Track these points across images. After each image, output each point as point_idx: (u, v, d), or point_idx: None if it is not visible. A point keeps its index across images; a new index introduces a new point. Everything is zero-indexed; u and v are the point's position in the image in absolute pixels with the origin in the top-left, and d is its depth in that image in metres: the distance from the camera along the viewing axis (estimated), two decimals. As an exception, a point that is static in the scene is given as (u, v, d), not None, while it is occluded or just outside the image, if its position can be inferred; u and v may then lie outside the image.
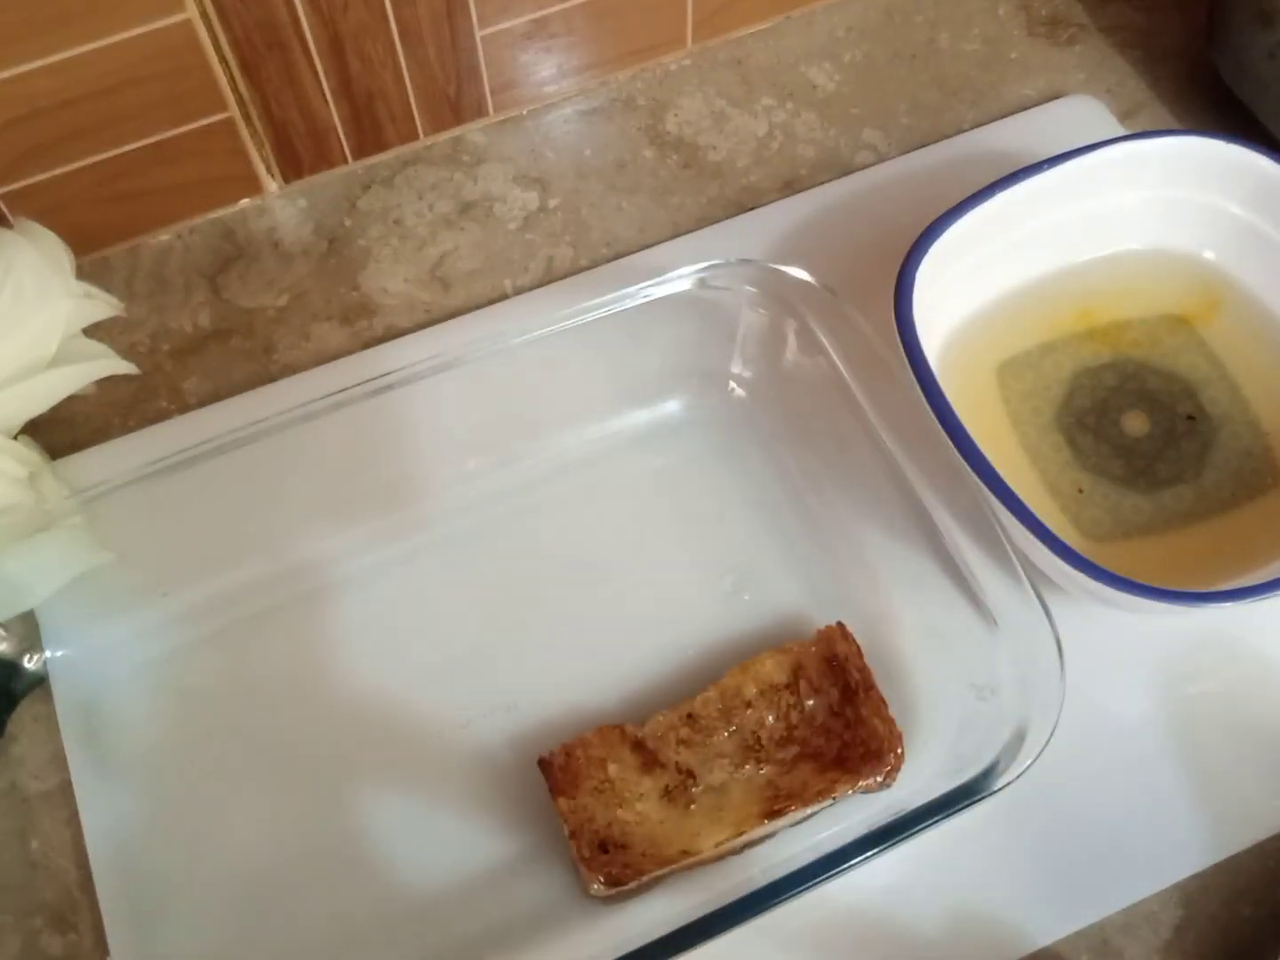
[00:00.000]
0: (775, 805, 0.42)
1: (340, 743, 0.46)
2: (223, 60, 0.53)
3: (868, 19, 0.65)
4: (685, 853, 0.42)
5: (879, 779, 0.43)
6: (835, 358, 0.48)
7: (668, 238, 0.59)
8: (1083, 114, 0.61)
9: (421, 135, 0.61)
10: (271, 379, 0.55)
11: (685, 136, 0.62)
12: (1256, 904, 0.44)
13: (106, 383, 0.52)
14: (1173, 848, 0.45)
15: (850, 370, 0.48)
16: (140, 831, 0.45)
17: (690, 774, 0.44)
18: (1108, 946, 0.43)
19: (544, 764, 0.44)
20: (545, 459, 0.52)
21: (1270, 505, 0.50)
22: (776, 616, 0.48)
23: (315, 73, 0.55)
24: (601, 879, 0.41)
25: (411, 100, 0.59)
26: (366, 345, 0.56)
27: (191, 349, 0.56)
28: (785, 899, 0.38)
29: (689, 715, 0.45)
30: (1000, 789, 0.40)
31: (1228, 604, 0.42)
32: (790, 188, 0.60)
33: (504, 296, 0.57)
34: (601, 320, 0.48)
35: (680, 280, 0.49)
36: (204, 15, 0.51)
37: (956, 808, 0.40)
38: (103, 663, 0.48)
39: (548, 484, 0.51)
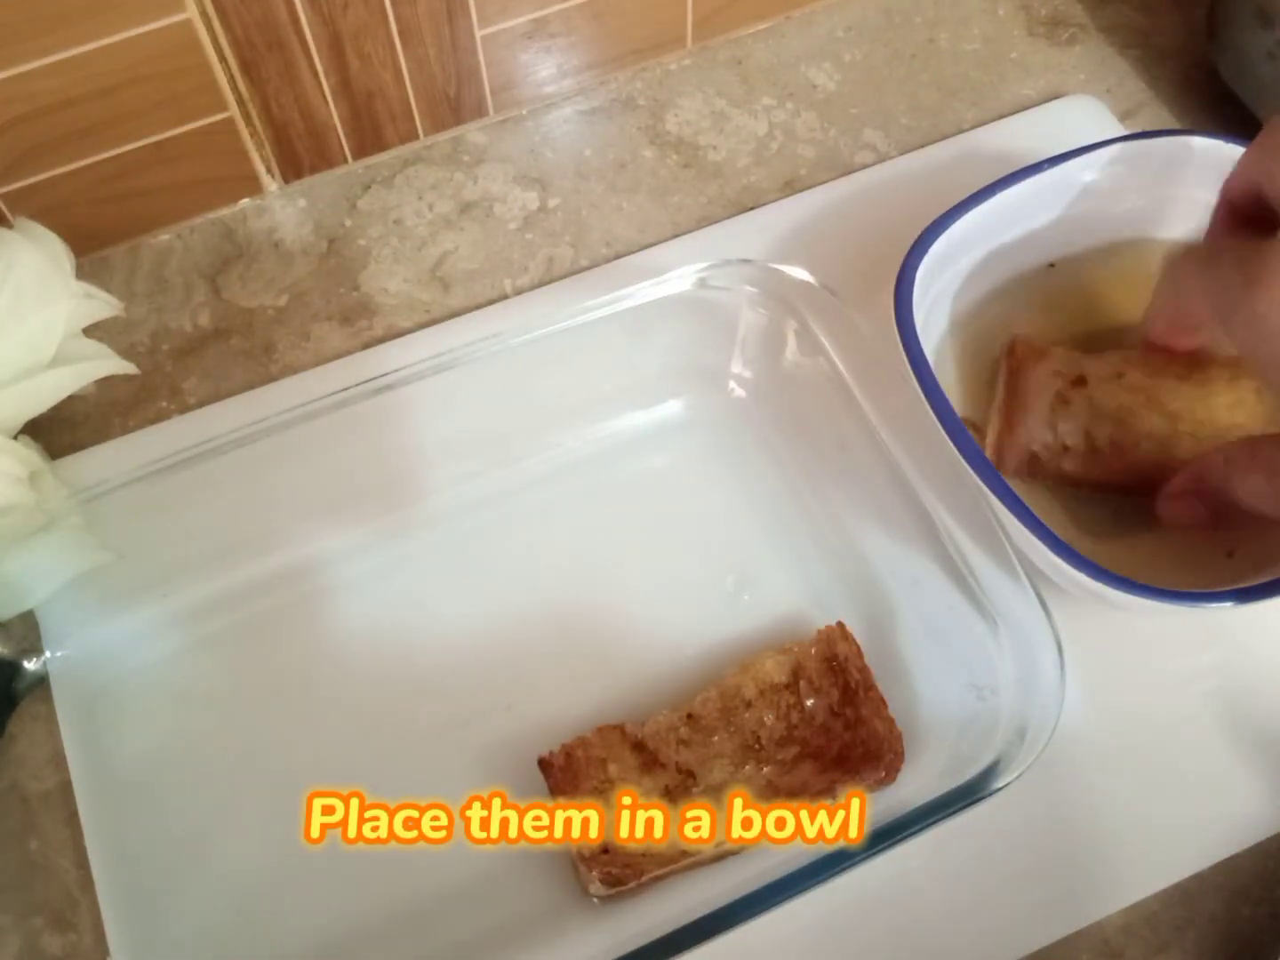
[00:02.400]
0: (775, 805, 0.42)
1: (340, 742, 0.46)
2: (223, 60, 0.53)
3: (868, 19, 0.65)
4: (685, 853, 0.42)
5: (879, 779, 0.43)
6: (835, 358, 0.48)
7: (668, 238, 0.59)
8: (1083, 114, 0.61)
9: (421, 135, 0.61)
10: (271, 379, 0.55)
11: (685, 136, 0.62)
12: (1256, 904, 0.44)
13: (106, 383, 0.52)
14: (1173, 848, 0.45)
15: (850, 370, 0.48)
16: (140, 831, 0.45)
17: (690, 774, 0.44)
18: (1108, 946, 0.43)
19: (544, 764, 0.44)
20: (545, 459, 0.52)
21: None
22: (776, 616, 0.48)
23: (315, 72, 0.55)
24: (601, 879, 0.41)
25: (411, 100, 0.59)
26: (366, 345, 0.56)
27: (191, 349, 0.56)
28: (785, 899, 0.38)
29: (689, 715, 0.45)
30: (1000, 789, 0.40)
31: (1228, 604, 0.42)
32: (790, 188, 0.60)
33: (504, 296, 0.57)
34: (601, 320, 0.48)
35: (680, 280, 0.49)
36: (204, 15, 0.51)
37: (956, 808, 0.40)
38: (103, 663, 0.48)
39: (547, 484, 0.51)
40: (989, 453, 0.47)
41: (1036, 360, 0.48)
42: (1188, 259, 0.40)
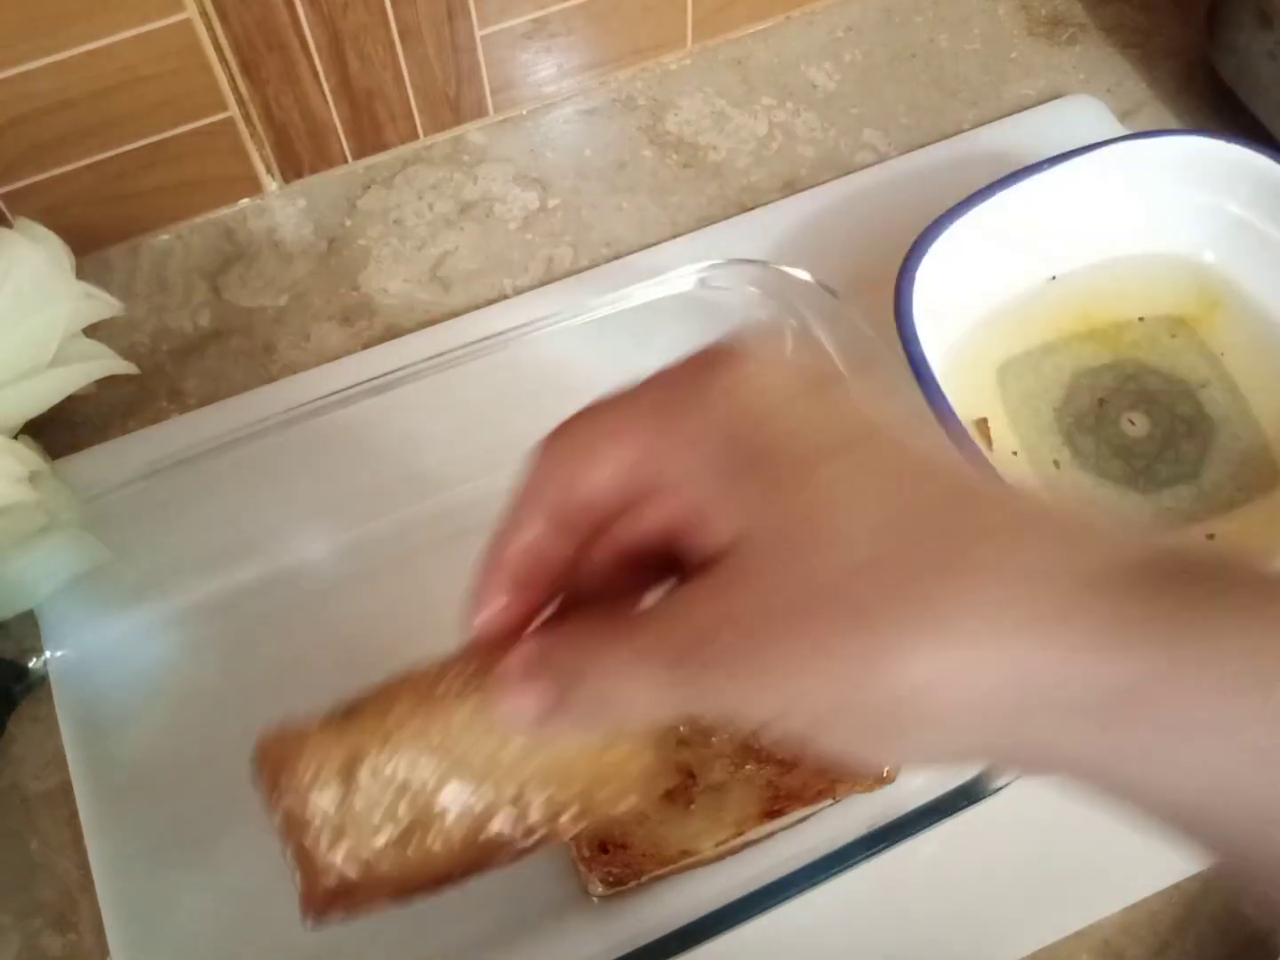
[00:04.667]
0: (775, 805, 0.42)
1: (340, 743, 0.46)
2: (223, 60, 0.53)
3: (868, 19, 0.65)
4: (685, 853, 0.42)
5: (879, 779, 0.42)
6: (835, 358, 0.48)
7: (668, 238, 0.59)
8: (1083, 114, 0.61)
9: (421, 135, 0.61)
10: (271, 379, 0.55)
11: (685, 136, 0.62)
12: (1257, 904, 0.44)
13: (106, 383, 0.52)
14: (1172, 848, 0.44)
15: (850, 370, 0.48)
16: (140, 831, 0.45)
17: (690, 774, 0.44)
18: (1108, 946, 0.43)
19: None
20: (545, 459, 0.52)
21: (1270, 505, 0.50)
22: (776, 616, 0.48)
23: (315, 73, 0.55)
24: (601, 879, 0.41)
25: (411, 100, 0.59)
26: (366, 345, 0.56)
27: (191, 349, 0.56)
28: (785, 899, 0.38)
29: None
30: (1000, 789, 0.40)
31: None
32: (790, 188, 0.60)
33: (504, 296, 0.57)
34: (601, 320, 0.48)
35: (680, 280, 0.49)
36: (204, 15, 0.50)
37: (956, 808, 0.40)
38: (103, 663, 0.48)
39: (548, 484, 0.51)
40: (301, 906, 0.37)
41: (292, 761, 0.37)
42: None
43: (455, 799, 0.36)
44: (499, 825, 0.35)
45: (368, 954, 0.43)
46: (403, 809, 0.36)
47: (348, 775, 0.36)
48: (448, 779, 0.36)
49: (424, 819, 0.36)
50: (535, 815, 0.35)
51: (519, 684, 0.29)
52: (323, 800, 0.36)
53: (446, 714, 0.35)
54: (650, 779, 0.34)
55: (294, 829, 0.36)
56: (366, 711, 0.37)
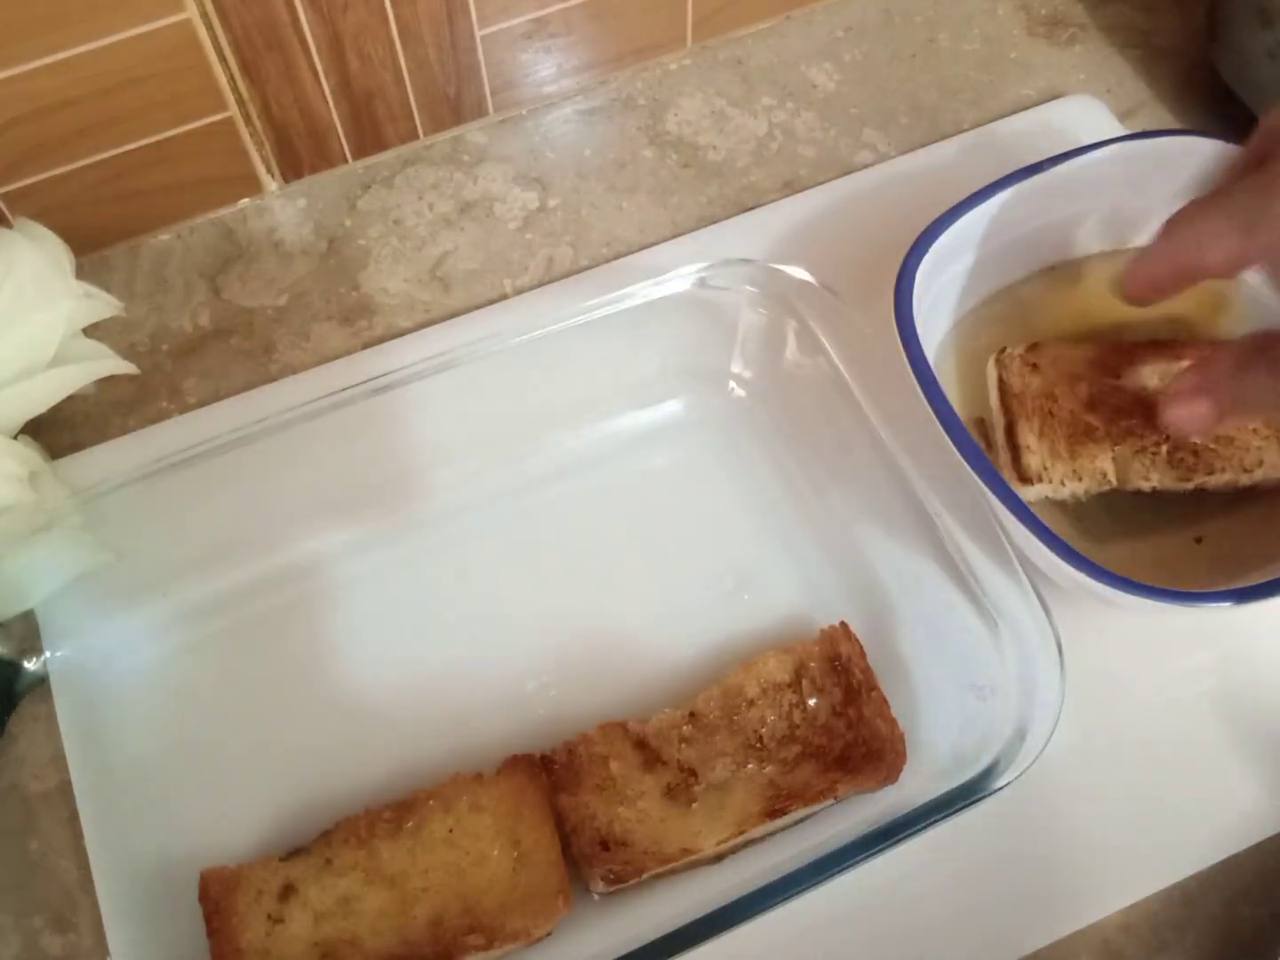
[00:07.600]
0: (777, 804, 0.42)
1: (340, 742, 0.46)
2: (223, 60, 0.53)
3: (868, 19, 0.66)
4: (686, 851, 0.42)
5: (880, 779, 0.43)
6: (835, 358, 0.48)
7: (668, 238, 0.59)
8: (1083, 114, 0.61)
9: (421, 135, 0.61)
10: (271, 379, 0.55)
11: (685, 136, 0.62)
12: (1256, 904, 0.44)
13: (106, 383, 0.52)
14: (1173, 848, 0.45)
15: (850, 370, 0.48)
16: (140, 831, 0.45)
17: (692, 772, 0.44)
18: (1108, 946, 0.43)
19: (546, 761, 0.44)
20: (545, 459, 0.52)
21: (1270, 505, 0.50)
22: (777, 616, 0.48)
23: (315, 72, 0.55)
24: (602, 877, 0.41)
25: (411, 100, 0.59)
26: (366, 345, 0.56)
27: (191, 349, 0.56)
28: (785, 899, 0.38)
29: (691, 713, 0.45)
30: (1000, 789, 0.40)
31: (1227, 604, 0.42)
32: (790, 188, 0.60)
33: (504, 296, 0.57)
34: (601, 320, 0.48)
35: (680, 280, 0.49)
36: (204, 15, 0.51)
37: (956, 808, 0.40)
38: (103, 663, 0.48)
39: (547, 484, 0.51)
40: None
41: (232, 890, 0.42)
42: (1193, 206, 0.41)
43: (376, 922, 0.41)
44: (416, 947, 0.40)
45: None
46: (329, 932, 0.41)
47: (283, 901, 0.41)
48: (372, 904, 0.41)
49: (347, 940, 0.41)
50: (448, 937, 0.40)
51: (1189, 399, 0.41)
52: (255, 927, 0.41)
53: (376, 850, 0.42)
54: (552, 906, 0.41)
55: (230, 954, 0.41)
56: (306, 851, 0.42)
